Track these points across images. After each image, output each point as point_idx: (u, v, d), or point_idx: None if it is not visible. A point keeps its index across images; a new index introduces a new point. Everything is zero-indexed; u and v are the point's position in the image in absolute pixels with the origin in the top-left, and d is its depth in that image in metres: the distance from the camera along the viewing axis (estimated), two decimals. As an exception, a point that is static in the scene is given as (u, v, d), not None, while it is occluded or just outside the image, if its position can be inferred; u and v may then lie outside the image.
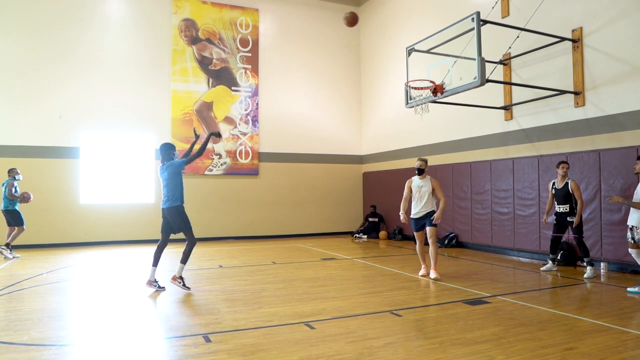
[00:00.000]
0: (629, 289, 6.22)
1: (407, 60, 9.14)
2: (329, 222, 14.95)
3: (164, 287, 6.43)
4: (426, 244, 7.34)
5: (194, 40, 13.51)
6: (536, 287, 6.85)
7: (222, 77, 13.84)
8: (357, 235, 14.01)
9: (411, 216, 7.37)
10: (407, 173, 13.15)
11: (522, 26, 8.66)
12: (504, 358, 3.72)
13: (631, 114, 7.64)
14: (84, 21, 12.35)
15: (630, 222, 6.20)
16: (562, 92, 8.48)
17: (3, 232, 10.35)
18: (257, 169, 14.15)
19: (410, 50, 9.08)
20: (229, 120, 13.88)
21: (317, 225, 14.79)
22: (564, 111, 8.74)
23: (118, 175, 12.54)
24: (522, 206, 9.54)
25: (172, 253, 10.35)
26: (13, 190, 9.63)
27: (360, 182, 15.63)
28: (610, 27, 7.94)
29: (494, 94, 10.02)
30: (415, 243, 7.50)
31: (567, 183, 7.58)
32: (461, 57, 7.85)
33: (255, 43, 14.28)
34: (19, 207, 9.89)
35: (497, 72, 9.65)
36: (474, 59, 7.41)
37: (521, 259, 9.37)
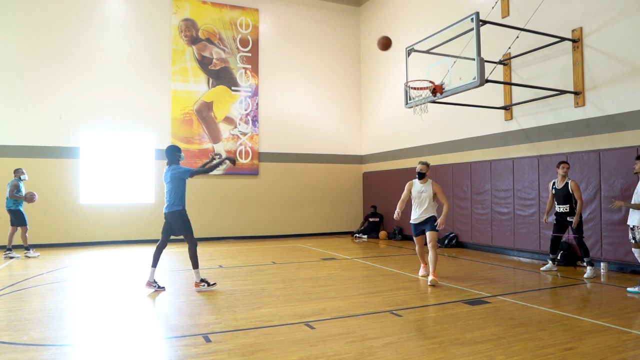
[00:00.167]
0: (629, 289, 6.22)
1: (407, 60, 9.14)
2: (329, 222, 14.95)
3: (163, 287, 6.43)
4: (426, 244, 7.09)
5: (194, 40, 13.52)
6: (536, 287, 6.85)
7: (222, 77, 13.84)
8: (357, 235, 14.01)
9: (411, 221, 7.08)
10: (407, 173, 13.15)
11: (522, 26, 8.66)
12: (504, 358, 3.72)
13: (631, 114, 7.64)
14: (84, 21, 12.35)
15: (631, 222, 6.20)
16: (562, 92, 8.48)
17: (6, 231, 10.37)
18: (257, 169, 14.15)
19: (410, 51, 9.08)
20: (229, 120, 13.88)
21: (317, 225, 14.79)
22: (564, 111, 8.74)
23: (118, 175, 12.54)
24: (522, 206, 9.54)
25: (172, 254, 10.36)
26: (15, 191, 9.65)
27: (360, 182, 15.63)
28: (610, 27, 7.94)
29: (494, 94, 10.02)
30: (416, 247, 7.26)
31: (567, 183, 7.58)
32: (461, 57, 7.84)
33: (255, 43, 14.28)
34: (24, 207, 9.93)
35: (497, 72, 9.65)
36: (473, 59, 7.41)
37: (521, 259, 9.37)
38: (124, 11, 12.84)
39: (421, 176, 6.96)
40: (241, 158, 13.97)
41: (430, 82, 8.28)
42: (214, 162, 6.56)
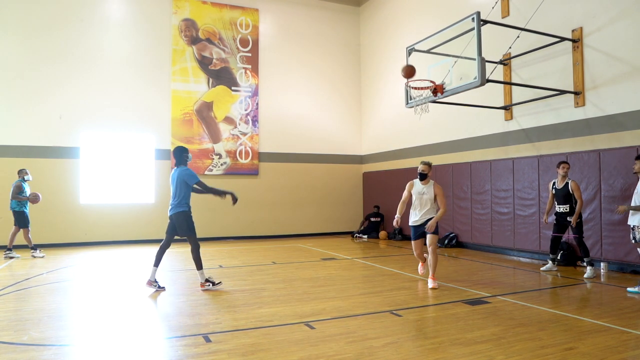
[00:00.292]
0: (629, 289, 6.22)
1: (407, 60, 9.13)
2: (328, 222, 14.95)
3: (163, 287, 6.44)
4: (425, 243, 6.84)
5: (194, 40, 13.51)
6: (536, 287, 6.85)
7: (222, 77, 13.84)
8: (357, 235, 14.02)
9: (410, 224, 6.71)
10: (407, 173, 13.15)
11: (522, 26, 8.65)
12: (504, 358, 3.72)
13: (631, 114, 7.64)
14: (84, 21, 12.35)
15: (631, 222, 6.20)
16: (562, 92, 8.48)
17: (6, 231, 10.37)
18: (257, 169, 14.15)
19: (410, 50, 9.07)
20: (229, 120, 13.88)
21: (317, 225, 14.79)
22: (564, 111, 8.74)
23: (118, 175, 12.54)
24: (522, 206, 9.54)
25: (173, 254, 10.36)
26: (17, 192, 9.67)
27: (360, 182, 15.63)
28: (610, 27, 7.94)
29: (494, 94, 10.02)
30: (414, 253, 6.92)
31: (567, 183, 7.58)
32: (461, 57, 7.85)
33: (255, 43, 14.28)
34: (30, 208, 9.96)
35: (497, 72, 9.65)
36: (474, 59, 7.41)
37: (521, 259, 9.37)
38: (124, 11, 12.84)
39: (422, 177, 6.60)
40: (241, 158, 13.97)
41: (431, 82, 8.28)
42: (219, 190, 6.56)
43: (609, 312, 5.15)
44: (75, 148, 12.12)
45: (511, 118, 9.91)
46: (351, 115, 15.66)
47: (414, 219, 6.67)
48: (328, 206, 14.99)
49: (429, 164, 6.68)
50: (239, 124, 13.99)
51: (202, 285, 6.46)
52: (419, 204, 6.60)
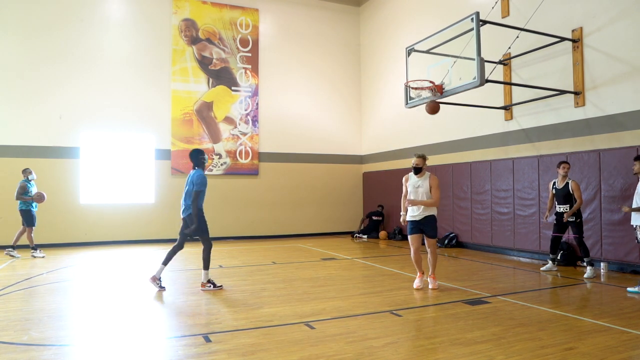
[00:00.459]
0: (629, 288, 6.22)
1: (407, 60, 9.14)
2: (328, 222, 14.95)
3: (164, 288, 6.43)
4: (423, 243, 6.66)
5: (194, 40, 13.52)
6: (536, 287, 6.85)
7: (222, 77, 13.84)
8: (357, 235, 14.02)
9: (407, 218, 6.50)
10: (408, 173, 13.15)
11: (522, 26, 8.66)
12: (504, 358, 3.72)
13: (631, 114, 7.64)
14: (84, 21, 12.35)
15: (634, 221, 6.20)
16: (562, 92, 8.48)
17: (6, 231, 10.38)
18: (257, 169, 14.16)
19: (410, 50, 9.08)
20: (229, 120, 13.88)
21: (317, 225, 14.79)
22: (564, 111, 8.74)
23: (118, 175, 12.54)
24: (522, 206, 9.54)
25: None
26: (21, 192, 9.69)
27: (360, 182, 15.63)
28: (610, 27, 7.94)
29: (494, 94, 10.02)
30: (411, 250, 6.49)
31: (567, 183, 7.58)
32: (461, 57, 7.84)
33: (255, 43, 14.28)
34: (37, 207, 10.00)
35: (497, 72, 9.65)
36: (473, 59, 7.41)
37: (521, 259, 9.37)
38: (124, 11, 12.84)
39: (417, 171, 6.49)
40: (241, 158, 13.97)
41: (431, 82, 8.28)
42: (192, 218, 6.38)
43: (609, 312, 5.15)
44: (75, 148, 12.13)
45: (511, 118, 9.91)
46: (351, 115, 15.66)
47: (412, 213, 6.44)
48: (328, 206, 14.99)
49: (423, 157, 6.50)
50: (239, 124, 13.99)
51: (203, 285, 6.47)
52: (415, 198, 6.41)
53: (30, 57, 11.80)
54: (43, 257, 9.74)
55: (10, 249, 9.75)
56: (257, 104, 14.24)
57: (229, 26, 13.97)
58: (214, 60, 13.77)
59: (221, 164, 13.66)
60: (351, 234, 14.66)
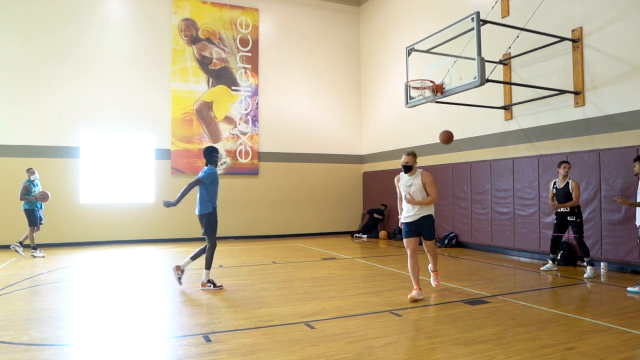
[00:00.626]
0: (629, 288, 6.22)
1: (407, 60, 9.14)
2: (328, 222, 14.95)
3: (181, 284, 6.51)
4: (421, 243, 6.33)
5: (194, 40, 13.51)
6: (536, 287, 6.86)
7: (222, 76, 13.84)
8: (356, 235, 14.02)
9: (402, 220, 6.05)
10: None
11: (522, 26, 8.65)
12: (504, 358, 3.72)
13: (631, 114, 7.64)
14: (84, 21, 12.35)
15: (639, 221, 6.19)
16: (562, 92, 8.48)
17: (7, 231, 10.38)
18: (257, 168, 14.15)
19: (410, 50, 9.08)
20: (229, 120, 13.88)
21: (317, 225, 14.79)
22: (564, 111, 8.75)
23: (118, 175, 12.54)
24: (522, 206, 9.54)
25: (173, 253, 10.38)
26: (25, 192, 9.73)
27: (360, 182, 15.63)
28: (610, 27, 7.94)
29: (494, 94, 10.02)
30: (407, 254, 6.05)
31: (567, 183, 7.57)
32: (461, 57, 7.84)
33: (255, 43, 14.28)
34: (42, 207, 10.09)
35: (497, 72, 9.65)
36: (473, 59, 7.41)
37: (521, 258, 9.37)
38: (124, 11, 12.84)
39: (407, 169, 5.98)
40: (241, 158, 13.97)
41: (431, 81, 8.28)
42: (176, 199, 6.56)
43: (609, 312, 5.15)
44: (75, 148, 12.12)
45: (511, 118, 9.91)
46: (351, 115, 15.66)
47: (405, 215, 6.00)
48: (328, 206, 14.99)
49: (413, 154, 6.00)
50: (239, 124, 13.99)
51: (203, 285, 6.48)
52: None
53: (30, 57, 11.80)
54: (43, 257, 9.75)
55: (17, 245, 9.86)
56: (257, 103, 14.24)
57: (229, 26, 13.97)
58: (214, 60, 13.77)
59: (221, 164, 13.65)
60: (351, 233, 14.66)
